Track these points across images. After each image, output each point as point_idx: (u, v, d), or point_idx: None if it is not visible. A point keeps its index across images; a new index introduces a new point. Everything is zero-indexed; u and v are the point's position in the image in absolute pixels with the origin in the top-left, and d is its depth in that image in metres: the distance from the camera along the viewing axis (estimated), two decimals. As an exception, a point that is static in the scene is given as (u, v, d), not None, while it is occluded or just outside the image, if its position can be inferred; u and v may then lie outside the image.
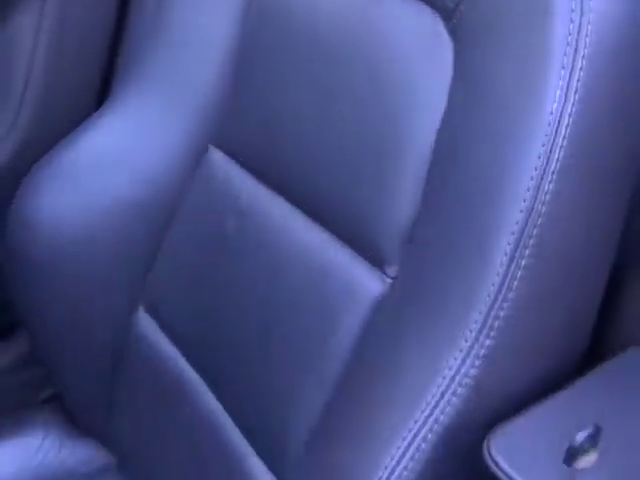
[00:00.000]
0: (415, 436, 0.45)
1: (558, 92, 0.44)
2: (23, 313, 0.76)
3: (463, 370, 0.44)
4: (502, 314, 0.44)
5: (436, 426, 0.44)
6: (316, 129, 0.58)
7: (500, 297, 0.44)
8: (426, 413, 0.45)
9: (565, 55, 0.44)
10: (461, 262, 0.46)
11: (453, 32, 0.50)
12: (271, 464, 0.56)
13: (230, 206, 0.64)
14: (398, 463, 0.46)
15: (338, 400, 0.53)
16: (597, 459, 0.43)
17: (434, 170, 0.50)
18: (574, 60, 0.44)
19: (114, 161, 0.71)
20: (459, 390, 0.45)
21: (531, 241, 0.44)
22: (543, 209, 0.44)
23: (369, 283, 0.54)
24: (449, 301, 0.46)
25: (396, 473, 0.46)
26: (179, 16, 0.69)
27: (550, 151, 0.44)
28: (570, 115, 0.44)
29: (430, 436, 0.45)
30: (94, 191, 0.69)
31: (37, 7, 0.80)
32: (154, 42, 0.70)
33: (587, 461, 0.43)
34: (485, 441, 0.43)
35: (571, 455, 0.43)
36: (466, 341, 0.45)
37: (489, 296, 0.44)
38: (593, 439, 0.44)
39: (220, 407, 0.61)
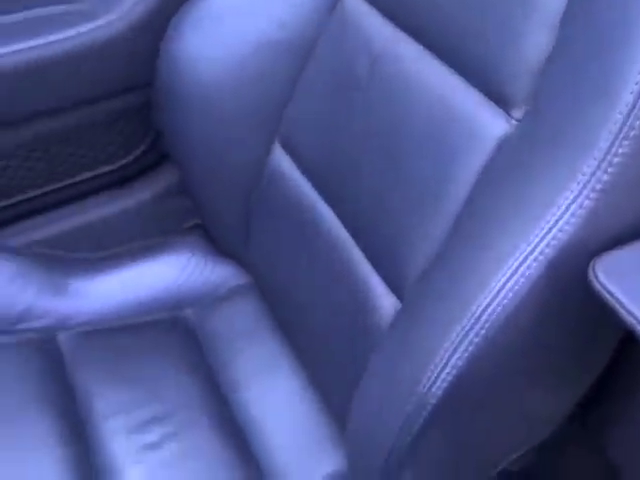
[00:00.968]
0: (522, 263, 0.49)
1: None
2: (172, 147, 0.84)
3: (578, 201, 0.48)
4: (621, 151, 0.47)
5: (547, 250, 0.48)
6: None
7: (621, 135, 0.46)
8: (537, 239, 0.49)
9: None
10: (587, 100, 0.48)
11: None
12: (393, 287, 0.63)
13: (363, 49, 0.67)
14: (504, 286, 0.50)
15: (456, 234, 0.57)
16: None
17: (568, 11, 0.52)
18: None
19: (254, 6, 0.75)
20: (572, 220, 0.48)
21: None
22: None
23: (493, 126, 0.57)
24: (572, 138, 0.49)
25: (502, 294, 0.50)
26: None
27: None
28: None
29: (538, 262, 0.48)
30: (236, 33, 0.74)
31: None
32: None
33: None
34: (591, 266, 0.46)
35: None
36: (584, 175, 0.47)
37: (610, 133, 0.47)
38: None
39: (349, 237, 0.67)
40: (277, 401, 0.77)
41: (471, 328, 0.48)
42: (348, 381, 0.63)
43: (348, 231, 0.67)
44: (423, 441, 0.50)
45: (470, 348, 0.48)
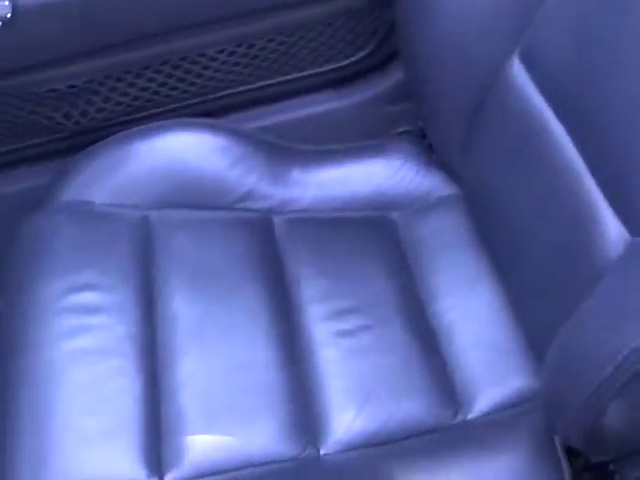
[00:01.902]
0: None
1: None
2: (405, 43, 0.85)
3: None
4: None
5: None
6: None
7: None
8: None
9: None
10: None
11: None
12: (623, 217, 0.60)
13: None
14: None
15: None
16: None
17: None
18: None
19: None
20: None
21: None
22: None
23: None
24: None
25: None
26: None
27: None
28: None
29: None
30: None
31: None
32: None
33: None
34: None
35: None
36: None
37: None
38: None
39: (579, 158, 0.65)
40: (473, 314, 0.79)
41: None
42: (557, 310, 0.63)
43: (580, 154, 0.65)
44: (635, 387, 0.49)
45: None
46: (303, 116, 1.00)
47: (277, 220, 0.89)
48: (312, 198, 0.90)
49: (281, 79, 0.98)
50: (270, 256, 0.85)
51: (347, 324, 0.80)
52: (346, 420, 0.72)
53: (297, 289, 0.83)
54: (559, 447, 0.64)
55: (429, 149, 0.92)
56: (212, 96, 0.97)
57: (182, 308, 0.79)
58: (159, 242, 0.84)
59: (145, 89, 0.94)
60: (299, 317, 0.80)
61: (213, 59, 0.93)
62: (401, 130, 0.98)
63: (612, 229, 0.61)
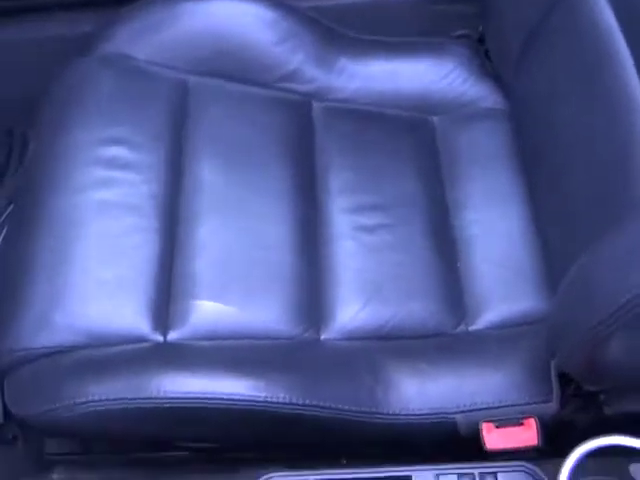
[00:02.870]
0: None
1: None
2: None
3: None
4: None
5: None
6: None
7: None
8: None
9: None
10: None
11: None
12: None
13: None
14: None
15: None
16: None
17: None
18: None
19: None
20: None
21: None
22: None
23: None
24: None
25: None
26: None
27: None
28: None
29: None
30: None
31: None
32: None
33: None
34: None
35: None
36: None
37: None
38: None
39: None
40: (496, 231, 0.78)
41: None
42: (582, 237, 0.62)
43: None
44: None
45: None
46: (360, 2, 0.97)
47: (316, 106, 0.87)
48: (355, 89, 0.88)
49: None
50: (303, 141, 0.84)
51: (369, 220, 0.80)
52: (351, 311, 0.74)
53: (325, 178, 0.82)
54: (553, 372, 0.65)
55: (485, 56, 0.89)
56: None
57: (209, 177, 0.79)
58: (195, 109, 0.83)
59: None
60: (322, 205, 0.81)
61: None
62: (459, 33, 0.94)
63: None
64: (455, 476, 0.60)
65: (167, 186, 0.78)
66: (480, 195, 0.81)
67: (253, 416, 0.65)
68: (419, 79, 0.88)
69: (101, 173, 0.78)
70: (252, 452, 0.75)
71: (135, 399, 0.64)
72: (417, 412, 0.66)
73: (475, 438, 0.65)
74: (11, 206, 0.84)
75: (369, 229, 0.79)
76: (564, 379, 0.65)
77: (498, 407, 0.65)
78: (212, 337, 0.71)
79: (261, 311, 0.73)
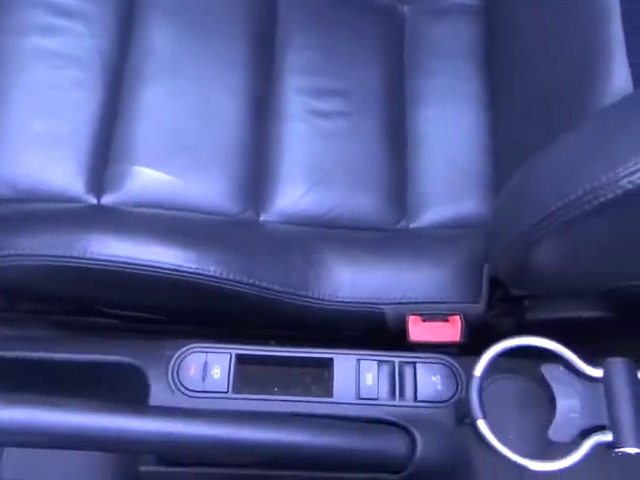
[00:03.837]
0: None
1: None
2: None
3: None
4: None
5: None
6: None
7: None
8: None
9: None
10: None
11: None
12: (633, 63, 0.56)
13: None
14: None
15: None
16: None
17: None
18: None
19: None
20: None
21: None
22: None
23: None
24: None
25: None
26: None
27: None
28: None
29: None
30: None
31: None
32: None
33: None
34: None
35: None
36: None
37: None
38: None
39: None
40: (450, 130, 0.76)
41: None
42: (535, 138, 0.61)
43: None
44: (575, 229, 0.49)
45: None
46: None
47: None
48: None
49: None
50: (265, 13, 0.80)
51: (325, 105, 0.77)
52: (294, 195, 0.72)
53: (284, 55, 0.79)
54: (485, 275, 0.65)
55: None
56: None
57: (161, 40, 0.75)
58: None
59: None
60: (278, 83, 0.77)
61: None
62: None
63: (619, 76, 0.57)
64: (375, 362, 0.61)
65: (116, 43, 0.74)
66: (440, 91, 0.78)
67: (183, 288, 0.64)
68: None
69: (46, 18, 0.73)
70: (182, 326, 0.75)
71: (60, 257, 0.62)
72: (347, 300, 0.66)
73: (402, 331, 0.66)
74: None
75: (324, 114, 0.77)
76: (495, 283, 0.65)
77: (427, 302, 0.65)
78: (149, 205, 0.69)
79: (202, 184, 0.71)
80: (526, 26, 0.69)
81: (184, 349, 0.61)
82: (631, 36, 0.58)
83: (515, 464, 0.52)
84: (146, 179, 0.69)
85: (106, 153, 0.70)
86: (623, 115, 0.48)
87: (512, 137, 0.70)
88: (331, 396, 0.60)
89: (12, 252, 0.62)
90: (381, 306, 0.66)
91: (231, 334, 0.69)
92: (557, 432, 0.52)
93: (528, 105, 0.67)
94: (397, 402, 0.60)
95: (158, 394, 0.59)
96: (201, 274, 0.63)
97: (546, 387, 0.54)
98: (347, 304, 0.66)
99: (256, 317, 0.69)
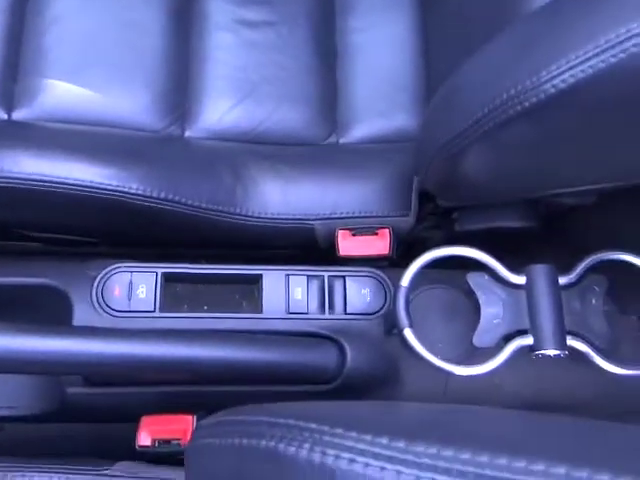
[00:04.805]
0: None
1: None
2: None
3: None
4: None
5: None
6: None
7: None
8: None
9: None
10: None
11: None
12: None
13: None
14: None
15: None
16: None
17: None
18: None
19: None
20: None
21: None
22: None
23: None
24: None
25: None
26: None
27: None
28: None
29: None
30: None
31: None
32: None
33: None
34: None
35: None
36: None
37: None
38: None
39: None
40: (380, 41, 0.74)
41: (612, 46, 0.44)
42: (465, 46, 0.59)
43: None
44: (500, 136, 0.49)
45: (601, 65, 0.44)
46: None
47: None
48: None
49: None
50: None
51: (252, 14, 0.74)
52: (221, 109, 0.70)
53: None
54: (415, 187, 0.65)
55: None
56: None
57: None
58: None
59: None
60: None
61: None
62: None
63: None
64: (305, 277, 0.60)
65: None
66: (369, 0, 0.76)
67: (106, 206, 0.62)
68: None
69: None
70: (109, 248, 0.73)
71: (-31, 175, 0.59)
72: (276, 216, 0.65)
73: (332, 246, 0.65)
74: None
75: (252, 24, 0.74)
76: (424, 197, 0.65)
77: (357, 217, 0.65)
78: (65, 120, 0.66)
79: (123, 98, 0.67)
80: None
81: (108, 269, 0.60)
82: None
83: (441, 370, 0.53)
84: (60, 92, 0.66)
85: (16, 66, 0.66)
86: (546, 20, 0.47)
87: (446, 47, 0.68)
88: (261, 312, 0.59)
89: None
90: (311, 222, 0.65)
91: (161, 256, 0.67)
92: (481, 338, 0.53)
93: (462, 12, 0.65)
94: (327, 315, 0.60)
95: (82, 315, 0.58)
96: (122, 191, 0.61)
97: (471, 295, 0.55)
98: (276, 220, 0.65)
99: (184, 236, 0.68)
